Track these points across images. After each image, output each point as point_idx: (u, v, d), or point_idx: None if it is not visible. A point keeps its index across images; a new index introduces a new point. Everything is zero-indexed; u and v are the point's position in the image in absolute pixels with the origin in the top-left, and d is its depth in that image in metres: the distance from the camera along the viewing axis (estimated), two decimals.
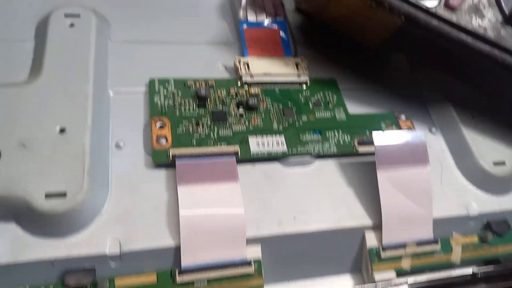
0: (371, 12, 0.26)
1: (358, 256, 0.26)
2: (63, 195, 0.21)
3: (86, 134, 0.23)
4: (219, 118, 0.26)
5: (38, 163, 0.22)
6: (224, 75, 0.29)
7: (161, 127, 0.25)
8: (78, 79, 0.25)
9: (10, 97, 0.24)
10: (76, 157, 0.22)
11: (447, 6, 0.26)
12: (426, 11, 0.25)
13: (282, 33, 0.32)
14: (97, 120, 0.24)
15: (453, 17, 0.26)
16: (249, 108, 0.27)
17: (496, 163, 0.28)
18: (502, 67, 0.26)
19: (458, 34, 0.26)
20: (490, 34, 0.26)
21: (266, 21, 0.32)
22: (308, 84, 0.30)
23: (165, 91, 0.27)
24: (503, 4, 0.26)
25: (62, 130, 0.23)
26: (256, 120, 0.27)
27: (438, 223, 0.26)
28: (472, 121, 0.30)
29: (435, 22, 0.25)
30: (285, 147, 0.26)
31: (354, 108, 0.30)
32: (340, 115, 0.29)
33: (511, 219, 0.28)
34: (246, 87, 0.29)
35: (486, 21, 0.26)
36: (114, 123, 0.26)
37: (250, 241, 0.23)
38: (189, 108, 0.27)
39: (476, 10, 0.26)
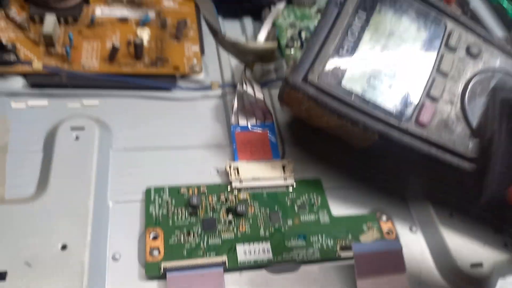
0: (348, 129, 0.29)
1: None
2: None
3: (85, 251, 0.25)
4: (209, 226, 0.29)
5: (41, 282, 0.24)
6: (216, 179, 0.32)
7: (155, 238, 0.27)
8: (80, 193, 0.28)
9: (18, 215, 0.26)
10: (75, 275, 0.24)
11: (418, 123, 0.28)
12: (398, 128, 0.28)
13: (270, 135, 0.34)
14: (96, 234, 0.27)
15: (423, 133, 0.28)
16: (238, 215, 0.29)
17: (474, 265, 0.29)
18: (473, 177, 0.28)
19: (429, 148, 0.28)
20: (459, 147, 0.28)
21: (256, 125, 0.34)
22: (294, 186, 0.32)
23: (160, 199, 0.29)
24: (470, 119, 0.28)
25: (63, 247, 0.25)
26: (244, 226, 0.29)
27: None
28: (451, 220, 0.31)
29: (407, 138, 0.28)
30: (271, 254, 0.28)
31: (338, 208, 0.32)
32: (324, 218, 0.31)
33: None
34: (235, 191, 0.31)
35: (455, 135, 0.28)
36: (112, 233, 0.28)
37: None
38: (181, 217, 0.29)
39: (445, 125, 0.28)
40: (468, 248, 0.30)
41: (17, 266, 0.24)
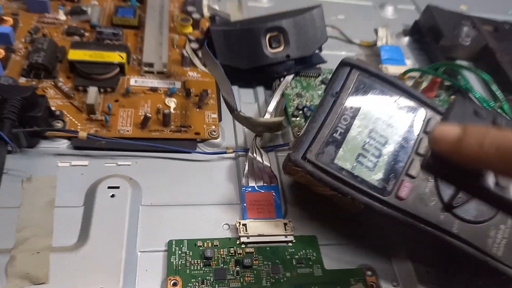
0: (339, 198, 0.34)
1: None
2: None
3: None
4: (220, 276, 0.34)
5: None
6: (227, 233, 0.37)
7: (175, 284, 0.33)
8: (115, 244, 0.34)
9: (63, 261, 0.32)
10: None
11: (397, 197, 0.33)
12: (381, 201, 0.33)
13: (275, 196, 0.40)
14: (127, 280, 0.32)
15: (401, 206, 0.33)
16: (244, 267, 0.35)
17: None
18: (444, 244, 0.33)
19: (406, 218, 0.33)
20: (432, 218, 0.33)
21: (263, 187, 0.40)
22: (294, 241, 0.37)
23: (179, 251, 0.35)
24: (442, 195, 0.34)
25: None
26: (249, 277, 0.35)
27: None
28: (428, 277, 0.36)
29: (387, 209, 0.33)
30: None
31: (330, 262, 0.37)
32: (317, 271, 0.36)
33: None
34: (243, 245, 0.36)
35: (429, 208, 0.34)
36: (139, 279, 0.33)
37: None
38: (197, 267, 0.34)
39: (421, 199, 0.34)
40: None
41: None
